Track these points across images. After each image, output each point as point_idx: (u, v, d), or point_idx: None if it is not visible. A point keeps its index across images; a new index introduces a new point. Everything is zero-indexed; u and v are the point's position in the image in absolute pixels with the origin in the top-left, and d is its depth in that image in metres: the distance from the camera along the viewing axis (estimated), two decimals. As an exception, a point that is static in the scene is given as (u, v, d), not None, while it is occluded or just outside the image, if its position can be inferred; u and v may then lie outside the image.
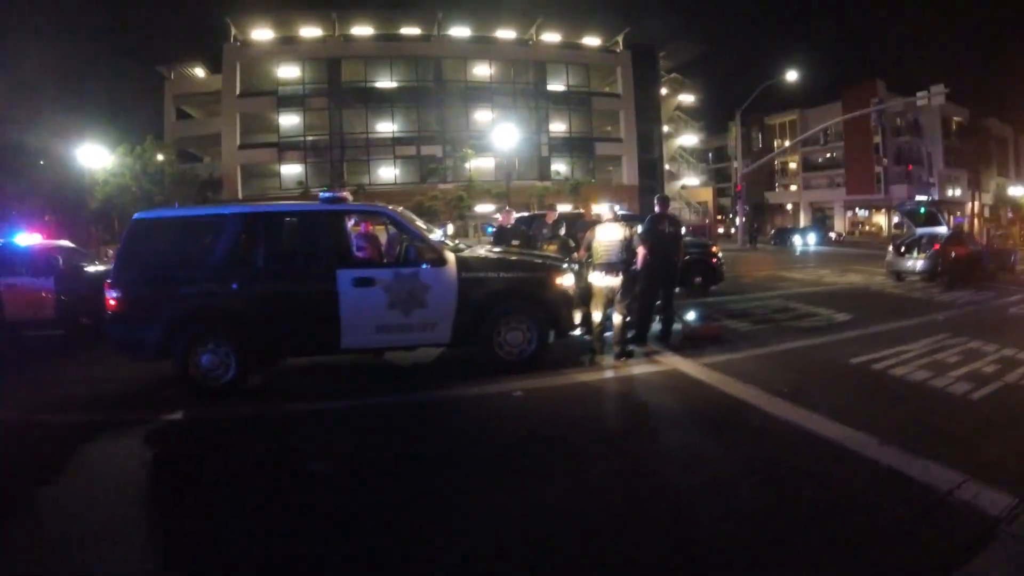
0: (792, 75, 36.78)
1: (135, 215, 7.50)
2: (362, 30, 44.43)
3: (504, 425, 5.84)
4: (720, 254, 14.64)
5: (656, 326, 9.43)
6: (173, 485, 4.81)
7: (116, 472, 4.99)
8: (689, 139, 53.44)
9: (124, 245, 7.33)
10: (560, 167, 46.20)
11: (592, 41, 47.34)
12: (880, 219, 58.76)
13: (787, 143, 55.74)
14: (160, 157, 37.01)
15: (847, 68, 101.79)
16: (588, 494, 4.28)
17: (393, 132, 44.25)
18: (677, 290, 13.38)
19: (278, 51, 44.12)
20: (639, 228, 9.57)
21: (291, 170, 43.92)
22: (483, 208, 39.32)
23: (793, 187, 70.74)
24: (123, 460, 5.26)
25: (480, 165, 42.72)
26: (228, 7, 43.15)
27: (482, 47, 45.16)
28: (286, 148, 43.85)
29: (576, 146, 46.52)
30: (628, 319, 8.57)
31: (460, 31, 45.01)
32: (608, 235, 8.16)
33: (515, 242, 11.01)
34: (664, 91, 50.62)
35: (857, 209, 63.06)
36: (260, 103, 43.90)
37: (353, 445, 5.49)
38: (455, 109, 44.11)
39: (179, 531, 4.00)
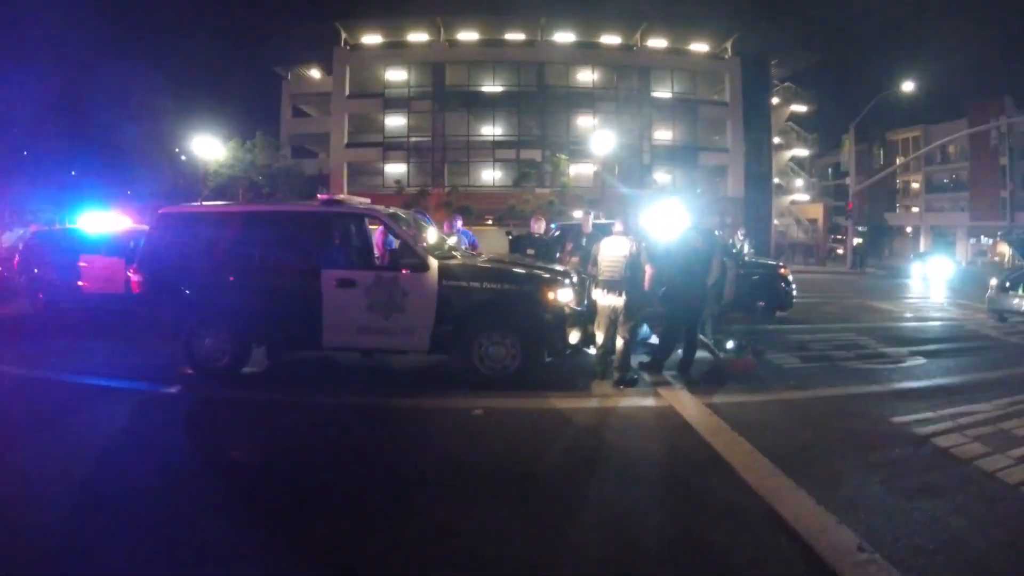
0: (908, 86, 33.43)
1: (161, 209, 8.22)
2: (466, 35, 44.34)
3: (432, 444, 5.53)
4: (790, 276, 13.00)
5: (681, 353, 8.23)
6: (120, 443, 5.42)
7: (92, 428, 5.77)
8: (801, 152, 50.04)
9: (150, 235, 8.18)
10: (662, 176, 44.32)
11: (699, 47, 45.13)
12: (1006, 248, 52.94)
13: (909, 161, 51.32)
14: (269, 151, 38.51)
15: (979, 83, 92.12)
16: (433, 542, 3.71)
17: (493, 136, 43.85)
18: (738, 315, 12.11)
19: (385, 55, 44.77)
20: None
21: (394, 169, 44.29)
22: (578, 214, 37.92)
23: (915, 208, 65.02)
24: (103, 419, 6.03)
25: (581, 171, 41.64)
26: (340, 14, 43.81)
27: (585, 52, 43.99)
28: (390, 148, 44.40)
29: (679, 155, 44.37)
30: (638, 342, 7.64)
31: (563, 36, 44.00)
32: (612, 250, 7.44)
33: (531, 251, 10.01)
34: (775, 101, 47.62)
35: (981, 236, 57.04)
36: (367, 104, 44.69)
37: (280, 440, 5.62)
38: (556, 114, 43.07)
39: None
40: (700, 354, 8.45)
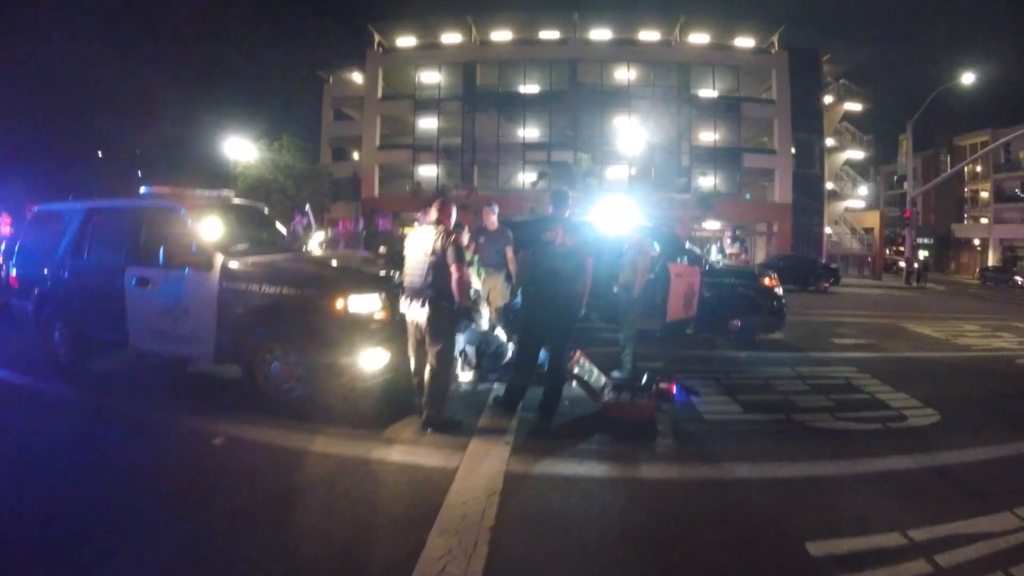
0: (969, 78, 28.71)
1: (36, 206, 8.19)
2: (499, 35, 41.46)
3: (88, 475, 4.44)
4: (779, 290, 9.79)
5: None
6: None
7: None
8: (856, 154, 45.06)
9: (25, 230, 8.24)
10: (703, 179, 40.45)
11: (743, 42, 40.51)
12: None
13: (978, 167, 45.48)
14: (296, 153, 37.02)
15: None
16: None
17: (524, 137, 40.74)
18: (706, 336, 9.30)
19: (417, 56, 42.45)
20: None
21: (425, 172, 42.10)
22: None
23: (984, 220, 56.31)
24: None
25: (617, 173, 38.46)
26: (373, 16, 42.23)
27: (620, 49, 40.21)
28: (420, 150, 41.99)
29: (721, 157, 40.16)
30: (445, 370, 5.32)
31: (598, 33, 40.56)
32: (414, 247, 5.39)
33: (382, 250, 7.68)
34: (828, 99, 42.98)
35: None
36: (399, 106, 42.51)
37: None
38: (590, 114, 39.44)
39: None
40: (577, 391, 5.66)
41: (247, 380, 5.79)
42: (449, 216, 5.31)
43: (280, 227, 8.17)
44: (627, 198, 8.15)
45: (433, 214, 5.26)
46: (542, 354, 5.76)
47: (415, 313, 5.19)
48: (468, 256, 7.51)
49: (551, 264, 5.32)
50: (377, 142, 42.67)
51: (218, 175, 38.40)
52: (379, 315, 5.60)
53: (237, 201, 7.89)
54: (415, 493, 4.09)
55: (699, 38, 40.39)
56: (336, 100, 48.06)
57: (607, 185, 36.26)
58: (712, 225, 38.44)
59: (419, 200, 35.81)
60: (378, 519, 3.76)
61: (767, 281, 9.72)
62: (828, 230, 44.58)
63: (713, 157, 40.24)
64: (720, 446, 4.87)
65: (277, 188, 35.73)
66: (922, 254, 41.43)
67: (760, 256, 41.02)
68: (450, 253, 5.07)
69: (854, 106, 43.52)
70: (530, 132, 40.97)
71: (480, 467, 4.44)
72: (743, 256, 15.81)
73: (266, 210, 8.36)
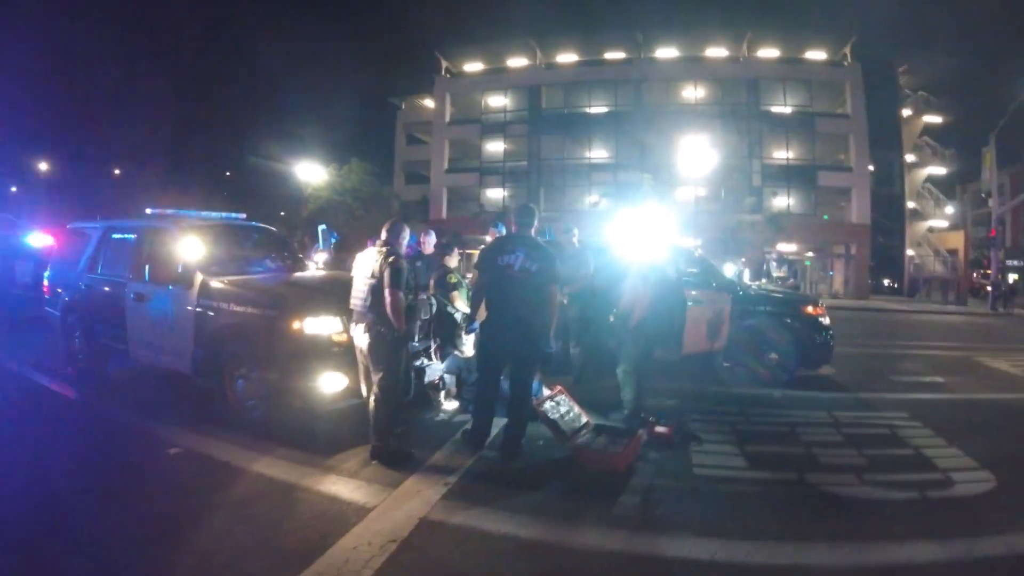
0: None
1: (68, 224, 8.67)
2: (564, 57, 41.13)
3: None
4: (825, 319, 8.65)
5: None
6: None
7: None
8: (937, 170, 41.87)
9: (60, 247, 8.91)
10: (776, 199, 38.46)
11: (815, 55, 38.39)
12: None
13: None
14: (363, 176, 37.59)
15: None
16: None
17: (590, 158, 40.13)
18: (741, 371, 8.34)
19: (484, 81, 42.62)
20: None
21: (492, 194, 42.01)
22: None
23: None
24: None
25: (686, 195, 37.09)
26: (440, 43, 42.94)
27: (687, 67, 38.97)
28: (487, 173, 41.97)
29: (795, 175, 37.93)
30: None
31: (664, 52, 39.48)
32: (359, 268, 5.14)
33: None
34: (907, 112, 40.34)
35: None
36: (466, 130, 42.72)
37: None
38: (656, 134, 38.18)
39: None
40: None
41: (220, 396, 5.96)
42: (398, 238, 5.07)
43: (285, 245, 8.44)
44: (651, 214, 7.40)
45: (383, 235, 5.00)
46: (507, 388, 5.09)
47: (359, 338, 4.94)
48: (454, 278, 6.94)
49: (508, 291, 4.71)
50: (445, 165, 42.90)
51: (291, 197, 39.85)
52: (339, 338, 5.43)
53: (251, 224, 8.24)
54: (316, 528, 3.74)
55: (768, 52, 38.58)
56: (408, 125, 49.07)
57: (674, 206, 34.91)
58: (787, 247, 36.45)
59: (479, 222, 35.59)
60: (263, 551, 3.50)
61: (811, 309, 8.62)
62: (910, 252, 41.70)
63: (786, 175, 38.14)
64: (695, 512, 4.01)
65: (345, 210, 36.37)
66: (1012, 277, 37.91)
67: (838, 280, 38.70)
68: (387, 276, 4.77)
69: (934, 119, 40.62)
70: (596, 153, 40.26)
71: (399, 509, 3.99)
72: (791, 280, 14.57)
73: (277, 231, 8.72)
